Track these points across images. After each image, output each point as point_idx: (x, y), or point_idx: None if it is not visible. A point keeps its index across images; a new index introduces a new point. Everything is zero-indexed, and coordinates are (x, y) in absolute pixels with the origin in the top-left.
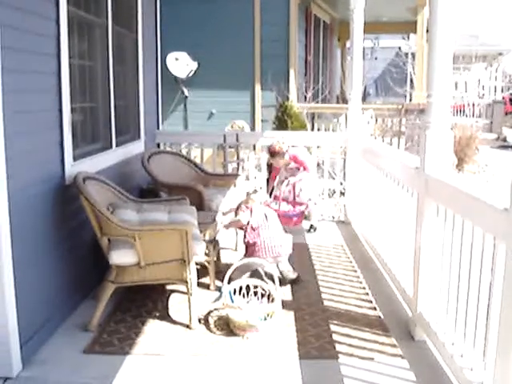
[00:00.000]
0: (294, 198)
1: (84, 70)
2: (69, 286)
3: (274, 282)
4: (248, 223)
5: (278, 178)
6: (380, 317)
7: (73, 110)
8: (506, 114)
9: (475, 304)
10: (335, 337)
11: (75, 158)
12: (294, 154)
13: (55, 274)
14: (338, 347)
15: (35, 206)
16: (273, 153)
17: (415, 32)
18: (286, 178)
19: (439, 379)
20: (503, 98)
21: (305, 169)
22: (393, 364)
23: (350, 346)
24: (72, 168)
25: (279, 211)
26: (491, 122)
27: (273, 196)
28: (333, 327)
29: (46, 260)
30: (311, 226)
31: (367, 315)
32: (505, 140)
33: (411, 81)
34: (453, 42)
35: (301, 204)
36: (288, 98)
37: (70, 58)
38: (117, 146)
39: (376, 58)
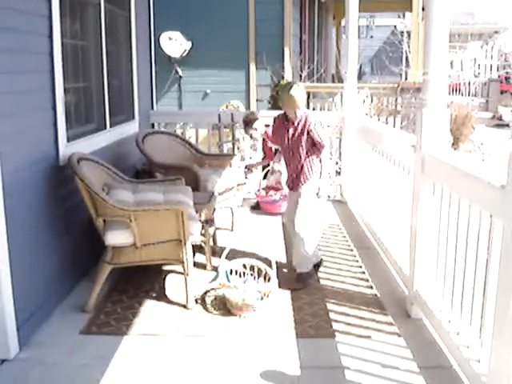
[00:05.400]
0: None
1: (77, 50)
2: (65, 267)
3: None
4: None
5: (271, 164)
6: (376, 295)
7: (66, 91)
8: (502, 92)
9: (472, 282)
10: (332, 315)
11: (69, 139)
12: (268, 130)
13: (51, 255)
14: (335, 326)
15: (29, 188)
16: (244, 123)
17: (411, 10)
18: (274, 164)
19: (436, 357)
20: (499, 76)
21: None
22: (389, 342)
23: (346, 324)
24: (66, 149)
25: (266, 198)
26: (487, 101)
27: (266, 186)
28: (329, 306)
29: (41, 242)
30: None
31: (364, 294)
32: (500, 119)
33: (407, 59)
34: (449, 19)
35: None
36: (283, 77)
37: (62, 37)
38: (111, 126)
39: (371, 37)
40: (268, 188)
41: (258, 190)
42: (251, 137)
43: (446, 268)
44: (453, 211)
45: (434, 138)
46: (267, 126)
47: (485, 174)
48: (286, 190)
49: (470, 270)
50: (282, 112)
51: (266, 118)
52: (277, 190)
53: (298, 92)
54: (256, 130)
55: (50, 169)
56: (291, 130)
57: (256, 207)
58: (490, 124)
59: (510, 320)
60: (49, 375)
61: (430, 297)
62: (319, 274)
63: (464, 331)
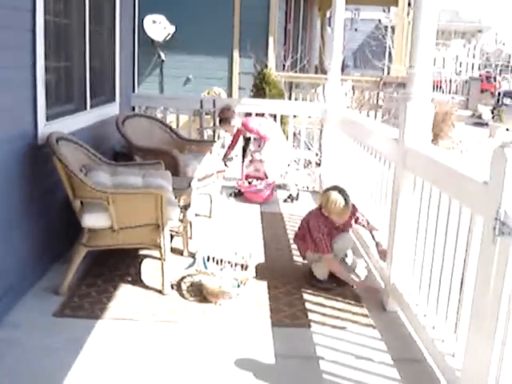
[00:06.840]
0: (265, 175)
1: (60, 28)
2: (39, 248)
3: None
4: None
5: (248, 153)
6: (353, 287)
7: (47, 69)
8: (482, 91)
9: (449, 277)
10: (308, 305)
11: (48, 118)
12: (244, 121)
13: (25, 236)
14: (311, 316)
15: (5, 165)
16: (219, 118)
17: (396, 5)
18: (253, 153)
19: (410, 349)
20: (480, 75)
21: (262, 138)
22: (364, 333)
23: (322, 315)
24: (45, 128)
25: (250, 187)
26: (467, 99)
27: (244, 175)
28: (306, 296)
29: (15, 222)
30: (289, 196)
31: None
32: (480, 117)
33: (390, 54)
34: (437, 13)
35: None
36: (266, 66)
37: (45, 14)
38: (91, 107)
39: (356, 30)
40: (249, 177)
41: (241, 180)
42: (226, 131)
43: (424, 262)
44: (433, 206)
45: (417, 132)
46: (247, 115)
47: (467, 170)
48: (270, 179)
49: (447, 264)
50: (318, 213)
51: (247, 106)
52: (258, 178)
53: (349, 200)
54: (234, 126)
55: (28, 147)
56: (341, 226)
57: (238, 194)
58: (470, 122)
59: (488, 315)
60: (20, 357)
61: (406, 290)
62: (297, 265)
63: (439, 325)
